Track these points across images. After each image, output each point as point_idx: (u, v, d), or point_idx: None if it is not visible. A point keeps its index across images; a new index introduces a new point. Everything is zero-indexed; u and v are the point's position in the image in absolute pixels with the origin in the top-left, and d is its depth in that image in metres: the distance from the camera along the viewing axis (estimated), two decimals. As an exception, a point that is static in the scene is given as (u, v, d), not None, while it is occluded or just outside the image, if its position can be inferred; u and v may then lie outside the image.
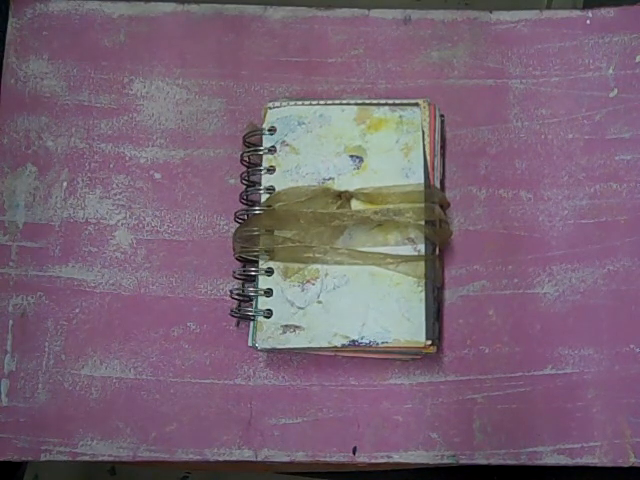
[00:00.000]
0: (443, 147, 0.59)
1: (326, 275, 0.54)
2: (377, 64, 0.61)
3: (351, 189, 0.54)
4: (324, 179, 0.55)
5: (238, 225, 0.56)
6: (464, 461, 0.55)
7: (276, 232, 0.54)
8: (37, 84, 0.61)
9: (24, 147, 0.60)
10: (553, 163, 0.59)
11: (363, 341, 0.53)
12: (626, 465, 0.55)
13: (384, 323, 0.53)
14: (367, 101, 0.57)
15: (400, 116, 0.56)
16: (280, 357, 0.57)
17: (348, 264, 0.54)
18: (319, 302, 0.54)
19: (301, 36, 0.62)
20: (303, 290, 0.54)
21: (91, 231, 0.59)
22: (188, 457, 0.56)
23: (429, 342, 0.53)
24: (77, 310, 0.58)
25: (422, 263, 0.53)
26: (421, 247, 0.53)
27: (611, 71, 0.60)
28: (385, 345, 0.53)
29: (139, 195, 0.60)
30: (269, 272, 0.55)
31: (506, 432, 0.55)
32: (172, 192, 0.60)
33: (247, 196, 0.57)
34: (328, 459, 0.56)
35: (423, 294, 0.53)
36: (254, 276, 0.55)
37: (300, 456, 0.56)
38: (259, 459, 0.56)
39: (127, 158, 0.60)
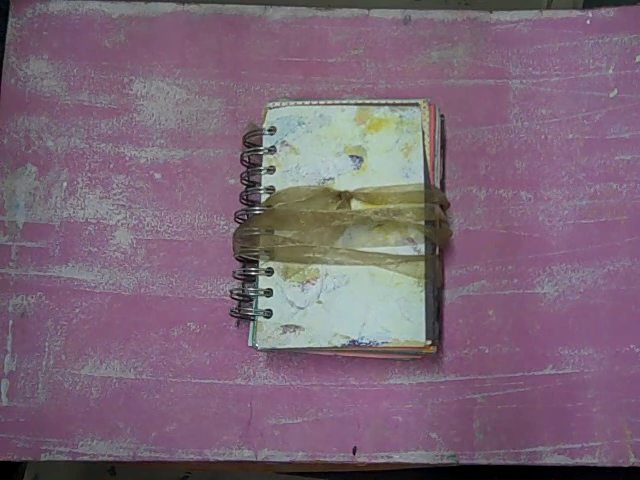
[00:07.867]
0: (443, 147, 0.59)
1: (326, 275, 0.54)
2: (377, 64, 0.61)
3: (351, 189, 0.54)
4: (324, 179, 0.55)
5: (238, 225, 0.56)
6: (464, 461, 0.55)
7: (276, 232, 0.54)
8: (37, 84, 0.61)
9: (24, 147, 0.60)
10: (553, 163, 0.59)
11: (363, 341, 0.53)
12: (626, 465, 0.55)
13: (384, 323, 0.53)
14: (367, 101, 0.57)
15: (400, 116, 0.56)
16: (280, 357, 0.57)
17: (348, 264, 0.54)
18: (319, 302, 0.54)
19: (301, 36, 0.62)
20: (303, 290, 0.54)
21: (91, 231, 0.59)
22: (188, 457, 0.56)
23: (429, 342, 0.53)
24: (77, 310, 0.58)
25: (422, 263, 0.53)
26: (421, 247, 0.53)
27: (611, 71, 0.60)
28: (385, 345, 0.53)
29: (139, 195, 0.60)
30: (269, 272, 0.54)
31: (506, 432, 0.55)
32: (172, 192, 0.60)
33: (247, 196, 0.56)
34: (328, 459, 0.56)
35: (423, 294, 0.53)
36: (254, 276, 0.55)
37: (300, 456, 0.56)
38: (259, 459, 0.56)
39: (127, 158, 0.60)
